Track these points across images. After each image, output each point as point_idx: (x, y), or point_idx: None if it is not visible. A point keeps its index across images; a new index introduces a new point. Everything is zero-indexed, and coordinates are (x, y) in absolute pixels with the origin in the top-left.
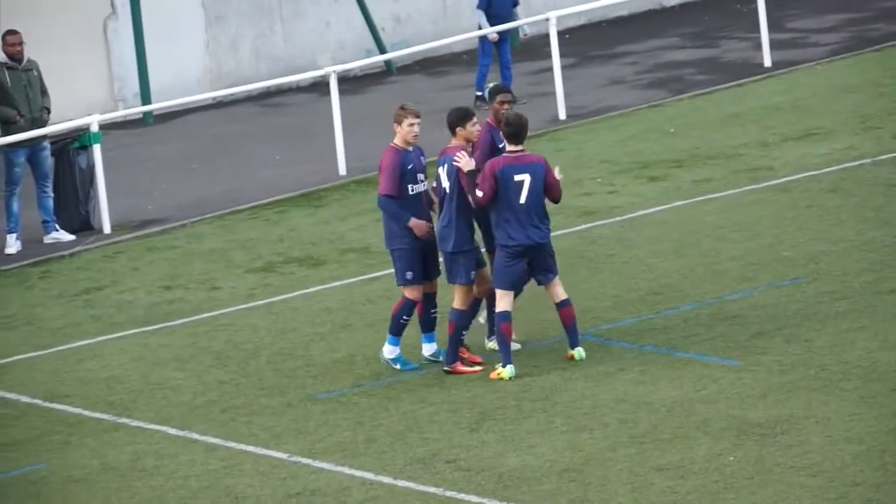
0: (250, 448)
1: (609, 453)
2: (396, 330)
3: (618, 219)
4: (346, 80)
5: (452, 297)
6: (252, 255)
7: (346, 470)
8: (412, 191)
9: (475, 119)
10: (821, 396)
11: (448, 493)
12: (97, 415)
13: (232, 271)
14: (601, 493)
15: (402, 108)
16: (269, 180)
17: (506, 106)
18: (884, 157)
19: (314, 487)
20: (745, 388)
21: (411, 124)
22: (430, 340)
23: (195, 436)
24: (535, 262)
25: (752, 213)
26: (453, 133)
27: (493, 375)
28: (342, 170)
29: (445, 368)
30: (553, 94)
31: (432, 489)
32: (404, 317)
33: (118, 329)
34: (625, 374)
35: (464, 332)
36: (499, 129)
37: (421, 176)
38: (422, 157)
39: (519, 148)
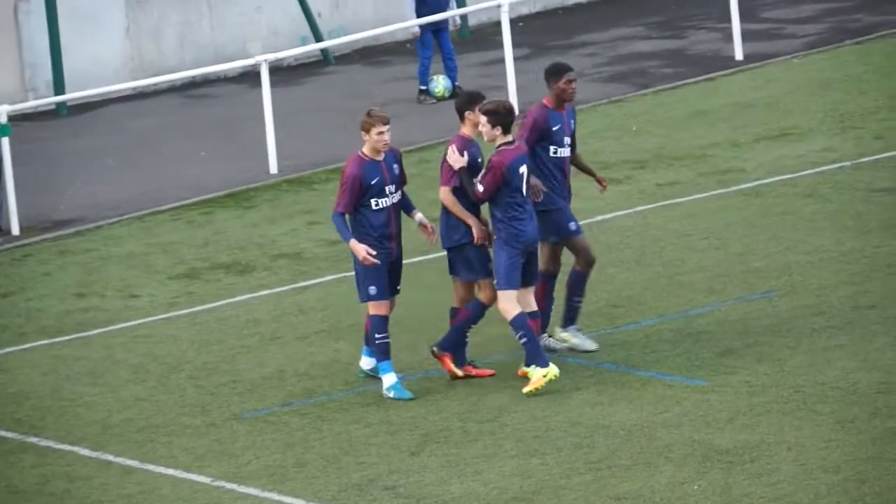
0: (170, 471)
1: (562, 481)
2: (380, 353)
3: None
4: (278, 70)
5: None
6: (174, 261)
7: (275, 496)
8: (377, 205)
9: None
10: (794, 421)
11: None
12: (2, 433)
13: (152, 278)
14: None
15: (368, 114)
16: (194, 179)
17: (573, 85)
18: (864, 159)
19: None
20: (712, 410)
21: (380, 132)
22: (370, 354)
23: (110, 457)
24: (528, 262)
25: (720, 219)
26: (462, 118)
27: (537, 383)
28: (273, 168)
29: (434, 349)
30: (504, 87)
31: None
32: (377, 335)
33: (26, 340)
34: (580, 394)
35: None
36: (560, 110)
37: (391, 188)
38: (395, 165)
39: (512, 138)
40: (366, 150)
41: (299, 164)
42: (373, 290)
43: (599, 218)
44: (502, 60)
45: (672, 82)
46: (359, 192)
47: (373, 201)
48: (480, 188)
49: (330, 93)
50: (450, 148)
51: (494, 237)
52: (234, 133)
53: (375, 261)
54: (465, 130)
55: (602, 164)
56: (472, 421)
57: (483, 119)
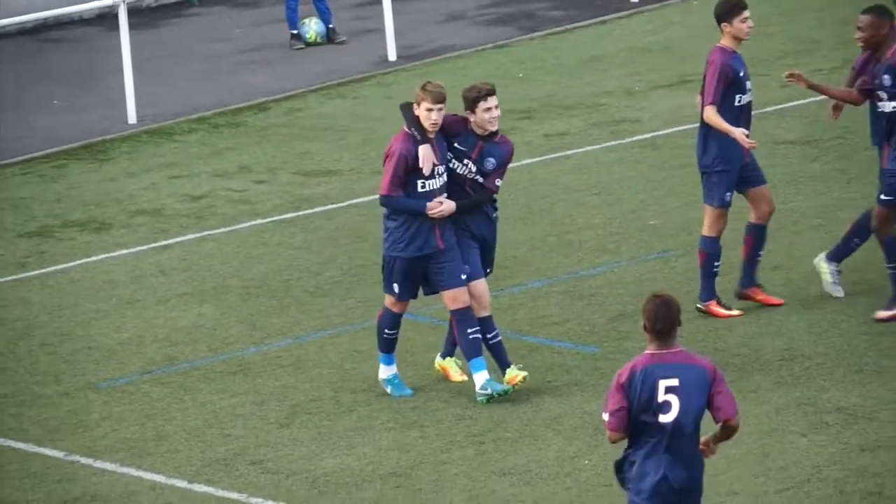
0: (20, 445)
1: (443, 455)
2: (384, 344)
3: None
4: (138, 12)
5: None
6: (24, 217)
7: (133, 471)
8: (423, 187)
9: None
10: None
11: (253, 500)
12: None
13: (1, 236)
14: (433, 501)
15: (423, 87)
16: (46, 129)
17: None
18: (769, 109)
19: (95, 492)
20: (604, 379)
21: (429, 110)
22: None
23: None
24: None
25: (614, 173)
26: (721, 29)
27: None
28: (132, 118)
29: (699, 306)
30: (381, 30)
31: (234, 495)
32: (386, 329)
33: None
34: (461, 362)
35: (716, 264)
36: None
37: (439, 169)
38: (445, 144)
39: None
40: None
41: (160, 113)
42: (396, 287)
43: None
44: (379, 2)
45: (562, 25)
46: (404, 172)
47: (419, 182)
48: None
49: (193, 37)
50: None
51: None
52: (89, 80)
53: (447, 205)
54: (725, 42)
55: None
56: (346, 391)
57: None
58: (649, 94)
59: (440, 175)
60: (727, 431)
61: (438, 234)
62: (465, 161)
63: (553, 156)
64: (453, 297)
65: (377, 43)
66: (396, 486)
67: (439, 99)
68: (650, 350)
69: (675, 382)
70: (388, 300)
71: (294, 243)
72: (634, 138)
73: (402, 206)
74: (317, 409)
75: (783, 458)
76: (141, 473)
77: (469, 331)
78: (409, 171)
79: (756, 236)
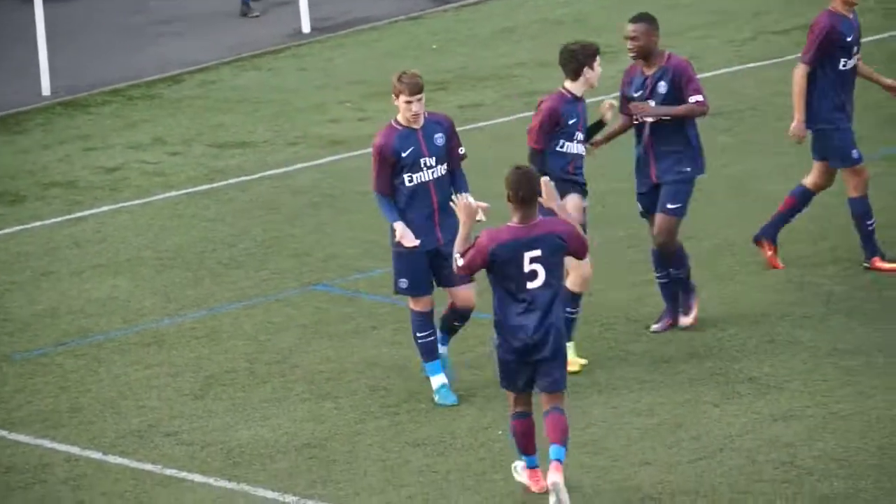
0: None
1: (357, 426)
2: (424, 353)
3: (370, 150)
4: None
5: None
6: None
7: (48, 443)
8: (411, 181)
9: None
10: (604, 361)
11: (168, 471)
12: None
13: None
14: (347, 472)
15: (398, 78)
16: None
17: None
18: None
19: (9, 464)
20: None
21: (407, 102)
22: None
23: None
24: None
25: (525, 145)
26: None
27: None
28: (46, 90)
29: (865, 264)
30: (295, 2)
31: (149, 466)
32: (418, 334)
33: None
34: (376, 333)
35: (869, 222)
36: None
37: (429, 160)
38: (439, 136)
39: None
40: (399, 117)
41: (74, 85)
42: (403, 283)
43: None
44: None
45: None
46: (389, 167)
47: (406, 177)
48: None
49: (107, 9)
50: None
51: None
52: (2, 52)
53: (414, 243)
54: (836, 5)
55: None
56: (261, 362)
57: None
58: None
59: (429, 168)
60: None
61: (439, 229)
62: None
63: (467, 127)
64: (467, 297)
65: (291, 15)
66: (311, 457)
67: (416, 90)
68: (514, 223)
69: (538, 253)
70: (409, 302)
71: (208, 215)
72: None
73: (381, 209)
74: (231, 380)
75: (696, 428)
76: (55, 445)
77: (421, 334)
78: (394, 168)
79: (801, 200)
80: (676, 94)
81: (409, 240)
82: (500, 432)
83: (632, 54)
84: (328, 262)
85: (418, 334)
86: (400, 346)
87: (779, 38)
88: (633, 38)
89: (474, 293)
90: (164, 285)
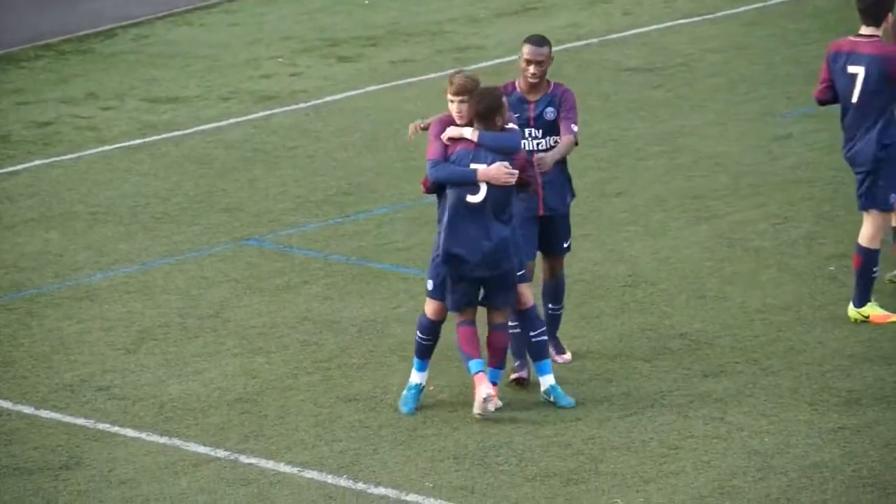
0: None
1: (289, 381)
2: (417, 351)
3: (302, 105)
4: None
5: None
6: None
7: None
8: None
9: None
10: None
11: (100, 426)
12: None
13: None
14: (279, 426)
15: (450, 78)
16: None
17: None
18: (612, 36)
19: None
20: None
21: (451, 102)
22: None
23: None
24: None
25: None
26: None
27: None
28: None
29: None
30: None
31: (81, 421)
32: (419, 333)
33: None
34: (308, 288)
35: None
36: None
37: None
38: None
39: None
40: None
41: (6, 39)
42: (430, 284)
43: (329, 99)
44: None
45: None
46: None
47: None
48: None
49: None
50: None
51: None
52: None
53: (512, 172)
54: None
55: (331, 41)
56: (193, 317)
57: None
58: (493, 21)
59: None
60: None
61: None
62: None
63: (398, 82)
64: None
65: None
66: (243, 412)
67: (461, 90)
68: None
69: (483, 167)
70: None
71: (141, 170)
72: (479, 65)
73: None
74: (163, 335)
75: (627, 383)
76: None
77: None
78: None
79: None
80: (557, 122)
81: (500, 171)
82: (431, 387)
83: (534, 80)
84: (260, 217)
85: (419, 334)
86: (332, 301)
87: None
88: (538, 64)
89: (529, 291)
90: (96, 240)
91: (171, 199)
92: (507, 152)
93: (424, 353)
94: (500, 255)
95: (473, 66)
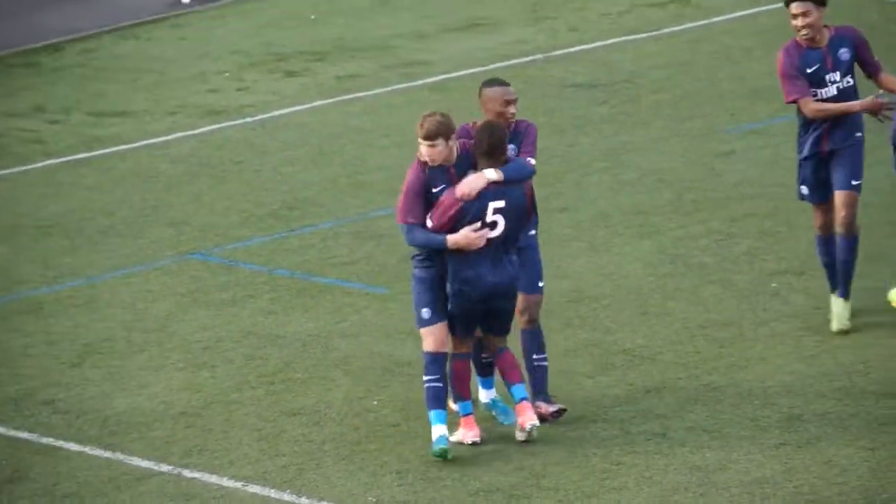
0: None
1: (233, 395)
2: (428, 399)
3: (248, 120)
4: None
5: None
6: None
7: None
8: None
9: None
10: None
11: (44, 440)
12: None
13: None
14: (223, 440)
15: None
16: None
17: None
18: (558, 52)
19: None
20: (393, 320)
21: (421, 144)
22: (487, 386)
23: None
24: None
25: (404, 115)
26: None
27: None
28: None
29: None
30: None
31: (25, 434)
32: (425, 376)
33: None
34: (253, 303)
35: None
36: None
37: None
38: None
39: None
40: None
41: None
42: (426, 312)
43: (275, 113)
44: None
45: None
46: (421, 202)
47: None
48: None
49: None
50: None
51: None
52: None
53: (480, 234)
54: None
55: (278, 56)
56: (138, 330)
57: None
58: (440, 37)
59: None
60: None
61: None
62: None
63: (345, 97)
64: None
65: None
66: (187, 426)
67: (431, 135)
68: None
69: (502, 204)
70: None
71: (87, 183)
72: (424, 81)
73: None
74: (108, 348)
75: (570, 398)
76: None
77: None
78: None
79: None
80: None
81: (465, 237)
82: (374, 402)
83: (514, 120)
84: (206, 231)
85: (426, 376)
86: (276, 315)
87: (655, 11)
88: (514, 102)
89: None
90: (42, 253)
91: (117, 212)
92: (526, 179)
93: (439, 399)
94: (511, 288)
95: (420, 82)
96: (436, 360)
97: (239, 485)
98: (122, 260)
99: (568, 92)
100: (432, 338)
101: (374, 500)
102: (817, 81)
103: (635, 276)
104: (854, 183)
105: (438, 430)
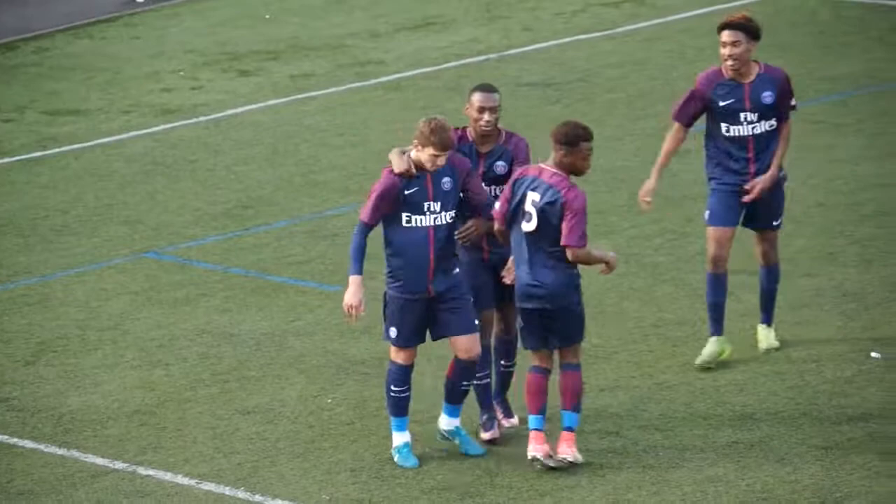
0: None
1: (187, 393)
2: (393, 407)
3: (202, 119)
4: None
5: None
6: None
7: None
8: (409, 222)
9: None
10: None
11: None
12: None
13: None
14: (177, 439)
15: (431, 129)
16: None
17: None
18: (512, 52)
19: None
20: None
21: (434, 156)
22: (452, 414)
23: None
24: None
25: (358, 114)
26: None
27: None
28: None
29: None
30: None
31: None
32: (392, 387)
33: None
34: (207, 301)
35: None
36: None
37: (433, 205)
38: (447, 180)
39: None
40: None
41: None
42: (393, 331)
43: (229, 112)
44: None
45: None
46: (388, 205)
47: (404, 216)
48: None
49: None
50: None
51: None
52: None
53: (358, 312)
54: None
55: (231, 55)
56: (92, 329)
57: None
58: (394, 36)
59: (434, 213)
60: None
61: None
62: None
63: (299, 96)
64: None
65: None
66: (141, 424)
67: (445, 147)
68: (541, 162)
69: (536, 197)
70: (391, 350)
71: (41, 182)
72: (379, 80)
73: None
74: (63, 347)
75: (522, 398)
76: None
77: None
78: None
79: None
80: (507, 177)
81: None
82: (329, 400)
83: (487, 128)
84: (159, 229)
85: (393, 387)
86: (230, 313)
87: (609, 10)
88: (491, 110)
89: (477, 342)
90: None
91: (71, 211)
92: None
93: (406, 405)
94: (549, 292)
95: (374, 81)
96: (406, 372)
97: (193, 482)
98: (77, 258)
99: (522, 91)
100: (403, 354)
101: (328, 497)
102: (729, 115)
103: (590, 275)
104: (775, 224)
105: (401, 437)
